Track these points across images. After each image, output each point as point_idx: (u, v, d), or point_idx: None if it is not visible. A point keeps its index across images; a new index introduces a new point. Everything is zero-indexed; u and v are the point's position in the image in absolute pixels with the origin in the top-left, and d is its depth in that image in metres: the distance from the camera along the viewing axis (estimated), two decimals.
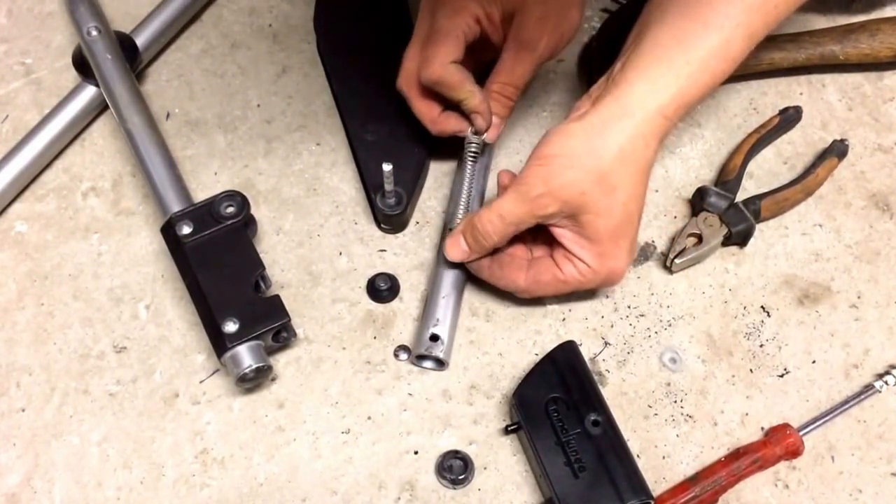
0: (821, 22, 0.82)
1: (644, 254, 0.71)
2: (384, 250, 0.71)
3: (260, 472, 0.62)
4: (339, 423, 0.64)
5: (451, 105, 0.67)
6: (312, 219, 0.72)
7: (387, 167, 0.64)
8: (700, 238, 0.69)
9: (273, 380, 0.65)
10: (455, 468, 0.61)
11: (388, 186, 0.67)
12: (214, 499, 0.61)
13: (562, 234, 0.60)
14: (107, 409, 0.64)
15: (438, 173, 0.75)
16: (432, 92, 0.66)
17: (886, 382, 0.64)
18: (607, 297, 0.69)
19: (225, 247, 0.63)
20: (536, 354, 0.66)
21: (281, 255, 0.70)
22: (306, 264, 0.70)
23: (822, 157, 0.73)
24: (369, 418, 0.64)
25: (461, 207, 0.68)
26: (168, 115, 0.77)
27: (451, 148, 0.71)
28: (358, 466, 0.62)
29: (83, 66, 0.74)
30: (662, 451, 0.63)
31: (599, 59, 0.77)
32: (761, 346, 0.67)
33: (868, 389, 0.65)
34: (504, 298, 0.68)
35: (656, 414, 0.64)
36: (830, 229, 0.72)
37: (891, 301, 0.69)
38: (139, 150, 0.69)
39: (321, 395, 0.65)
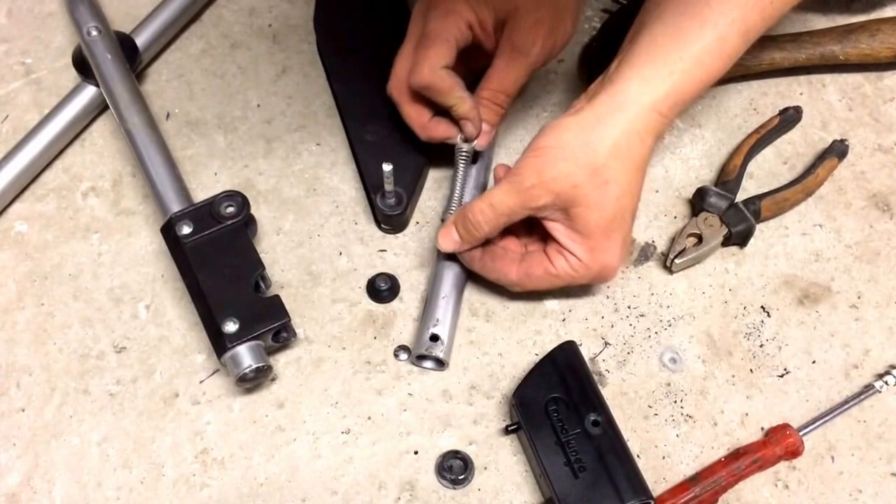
0: (821, 22, 0.82)
1: (644, 254, 0.71)
2: (384, 250, 0.71)
3: (260, 472, 0.62)
4: (339, 423, 0.64)
5: (441, 111, 0.67)
6: (312, 219, 0.72)
7: (387, 167, 0.64)
8: (700, 238, 0.69)
9: (273, 380, 0.65)
10: (455, 468, 0.61)
11: (388, 187, 0.67)
12: (214, 499, 0.61)
13: (554, 227, 0.61)
14: (107, 409, 0.64)
15: (438, 174, 0.75)
16: (422, 97, 0.66)
17: (886, 383, 0.64)
18: (607, 297, 0.69)
19: (225, 247, 0.63)
20: (536, 354, 0.66)
21: (281, 255, 0.70)
22: (306, 264, 0.70)
23: (823, 157, 0.73)
24: (369, 418, 0.64)
25: (454, 204, 0.68)
26: (168, 115, 0.77)
27: (451, 148, 0.71)
28: (358, 466, 0.62)
29: (83, 66, 0.74)
30: (662, 451, 0.63)
31: (599, 59, 0.77)
32: (761, 346, 0.67)
33: (868, 389, 0.65)
34: (504, 298, 0.68)
35: (656, 414, 0.64)
36: (830, 229, 0.72)
37: (891, 301, 0.69)
38: (139, 150, 0.69)
39: (321, 395, 0.65)
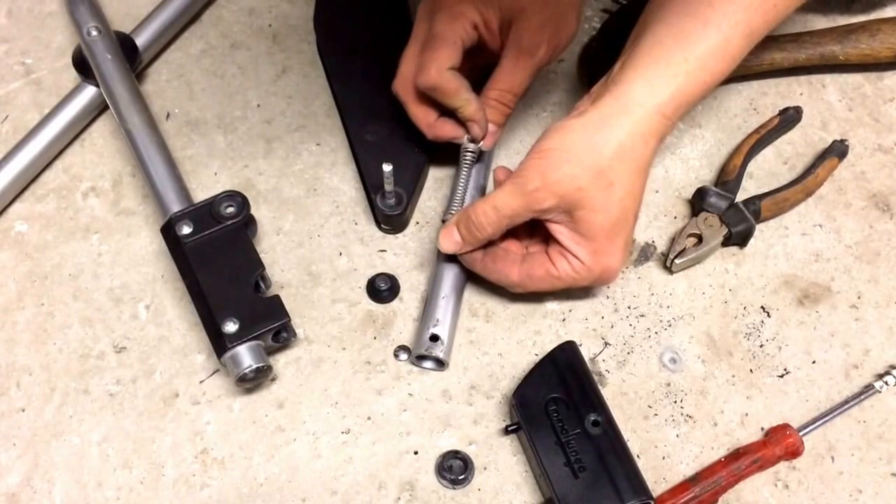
0: (821, 22, 0.82)
1: (644, 254, 0.71)
2: (384, 250, 0.71)
3: (260, 472, 0.62)
4: (338, 423, 0.64)
5: (447, 111, 0.67)
6: (312, 219, 0.72)
7: (387, 167, 0.64)
8: (700, 238, 0.69)
9: (273, 380, 0.65)
10: (455, 468, 0.61)
11: (388, 187, 0.67)
12: (214, 499, 0.61)
13: (558, 229, 0.60)
14: (107, 409, 0.64)
15: (439, 174, 0.75)
16: (428, 97, 0.66)
17: (886, 383, 0.64)
18: (607, 297, 0.69)
19: (225, 247, 0.63)
20: (536, 355, 0.66)
21: (281, 255, 0.70)
22: (306, 264, 0.70)
23: (823, 157, 0.73)
24: (369, 418, 0.64)
25: (456, 204, 0.68)
26: (168, 115, 0.77)
27: (451, 148, 0.71)
28: (358, 466, 0.62)
29: (83, 66, 0.74)
30: (662, 451, 0.63)
31: (599, 59, 0.77)
32: (761, 346, 0.67)
33: (868, 390, 0.65)
34: (504, 299, 0.68)
35: (656, 414, 0.64)
36: (830, 229, 0.72)
37: (891, 301, 0.69)
38: (139, 150, 0.69)
39: (321, 395, 0.65)
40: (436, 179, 0.75)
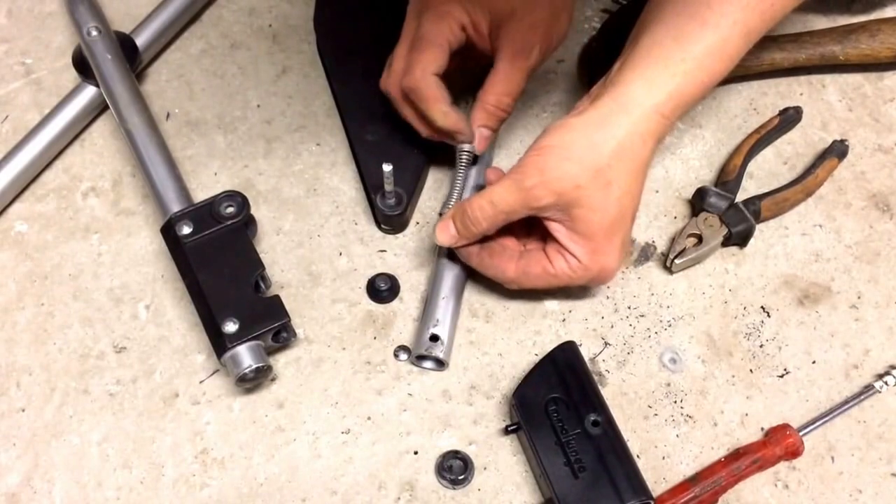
0: (821, 22, 0.82)
1: (644, 254, 0.71)
2: (384, 251, 0.71)
3: (260, 472, 0.62)
4: (338, 423, 0.64)
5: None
6: (312, 219, 0.72)
7: (387, 167, 0.64)
8: (700, 238, 0.69)
9: (273, 380, 0.65)
10: (455, 468, 0.61)
11: (388, 187, 0.67)
12: (214, 499, 0.61)
13: (556, 228, 0.60)
14: (107, 409, 0.64)
15: (439, 174, 0.75)
16: None
17: (886, 383, 0.64)
18: (607, 297, 0.69)
19: (225, 247, 0.63)
20: (536, 355, 0.66)
21: (281, 255, 0.70)
22: (306, 264, 0.70)
23: (822, 157, 0.73)
24: (369, 418, 0.64)
25: (453, 199, 0.68)
26: (168, 115, 0.77)
27: (451, 149, 0.71)
28: (358, 466, 0.62)
29: (83, 66, 0.74)
30: (662, 451, 0.63)
31: (599, 59, 0.77)
32: (761, 346, 0.67)
33: (868, 390, 0.65)
34: (504, 299, 0.68)
35: (656, 414, 0.64)
36: (830, 230, 0.72)
37: (891, 301, 0.69)
38: (139, 150, 0.69)
39: (321, 395, 0.65)
40: (436, 179, 0.75)
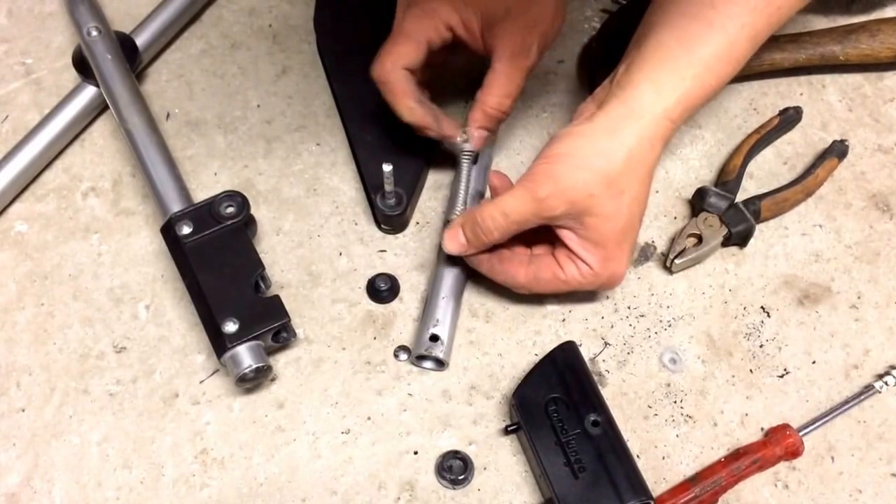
0: (821, 22, 0.82)
1: (644, 254, 0.71)
2: (384, 251, 0.71)
3: (260, 472, 0.62)
4: (338, 423, 0.64)
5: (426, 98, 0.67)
6: (312, 219, 0.72)
7: (387, 167, 0.64)
8: (700, 238, 0.69)
9: (273, 380, 0.65)
10: (455, 468, 0.61)
11: (388, 187, 0.67)
12: (214, 499, 0.61)
13: (567, 235, 0.60)
14: (107, 409, 0.64)
15: (439, 174, 0.75)
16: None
17: (886, 383, 0.64)
18: (607, 297, 0.69)
19: (225, 247, 0.63)
20: (536, 355, 0.66)
21: (281, 255, 0.70)
22: (306, 264, 0.70)
23: (822, 157, 0.73)
24: (369, 418, 0.64)
25: (459, 204, 0.68)
26: (168, 115, 0.77)
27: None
28: (358, 466, 0.62)
29: (83, 66, 0.74)
30: (662, 451, 0.63)
31: (599, 60, 0.77)
32: (761, 346, 0.67)
33: (868, 390, 0.65)
34: (504, 299, 0.68)
35: (656, 414, 0.64)
36: (830, 230, 0.72)
37: (891, 302, 0.69)
38: (139, 150, 0.69)
39: (321, 395, 0.65)
40: (436, 179, 0.75)
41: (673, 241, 0.70)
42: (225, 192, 0.65)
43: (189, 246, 0.63)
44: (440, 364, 0.65)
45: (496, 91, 0.65)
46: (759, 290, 0.70)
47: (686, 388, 0.65)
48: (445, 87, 0.73)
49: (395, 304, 0.69)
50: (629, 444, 0.60)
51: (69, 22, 0.80)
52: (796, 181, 0.72)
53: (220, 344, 0.60)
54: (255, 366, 0.60)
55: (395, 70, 0.63)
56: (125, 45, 0.75)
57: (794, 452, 0.61)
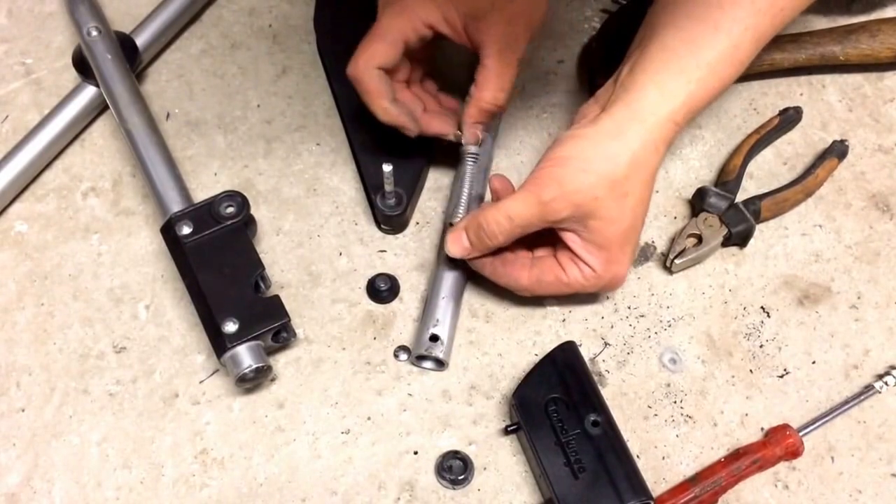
0: (821, 22, 0.82)
1: (644, 254, 0.71)
2: (384, 251, 0.71)
3: (260, 472, 0.62)
4: (338, 423, 0.64)
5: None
6: (312, 219, 0.72)
7: (387, 167, 0.64)
8: (700, 238, 0.69)
9: (273, 380, 0.65)
10: (455, 468, 0.61)
11: (388, 187, 0.67)
12: (214, 499, 0.61)
13: (570, 238, 0.60)
14: (107, 409, 0.64)
15: (439, 174, 0.75)
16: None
17: (886, 383, 0.64)
18: (607, 297, 0.69)
19: (225, 247, 0.63)
20: (536, 355, 0.66)
21: (281, 255, 0.70)
22: (306, 264, 0.70)
23: (822, 157, 0.73)
24: (369, 419, 0.64)
25: (461, 206, 0.68)
26: (168, 115, 0.77)
27: (452, 149, 0.71)
28: (358, 467, 0.62)
29: (83, 66, 0.74)
30: (662, 451, 0.63)
31: (599, 60, 0.77)
32: (761, 346, 0.67)
33: (868, 390, 0.65)
34: (504, 299, 0.68)
35: (656, 414, 0.64)
36: (830, 230, 0.72)
37: (891, 302, 0.69)
38: (139, 150, 0.69)
39: (321, 395, 0.65)
40: (436, 179, 0.75)
41: (673, 241, 0.70)
42: (225, 192, 0.65)
43: (189, 246, 0.63)
44: (440, 364, 0.65)
45: (490, 86, 0.64)
46: (759, 290, 0.70)
47: (686, 388, 0.65)
48: (446, 84, 0.73)
49: (395, 304, 0.69)
50: (629, 444, 0.60)
51: (69, 22, 0.80)
52: (796, 181, 0.72)
53: (220, 344, 0.60)
54: (255, 366, 0.60)
55: (368, 69, 0.63)
56: (125, 45, 0.75)
57: (794, 452, 0.61)
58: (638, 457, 0.62)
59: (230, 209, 0.64)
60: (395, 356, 0.66)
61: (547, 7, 0.65)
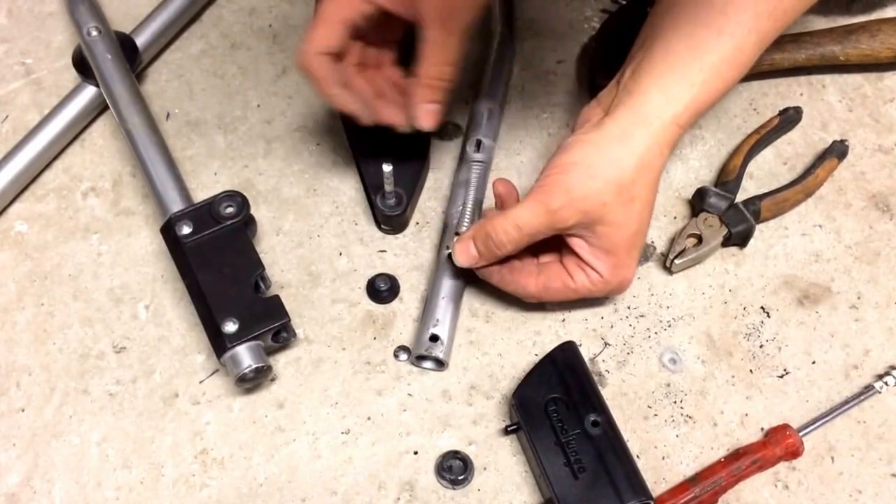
0: (821, 22, 0.82)
1: (644, 254, 0.71)
2: (384, 251, 0.71)
3: (260, 472, 0.62)
4: (338, 423, 0.64)
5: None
6: (312, 219, 0.72)
7: (387, 167, 0.64)
8: (700, 238, 0.69)
9: (273, 380, 0.65)
10: (455, 468, 0.61)
11: (388, 187, 0.67)
12: (214, 499, 0.61)
13: (578, 244, 0.60)
14: (107, 409, 0.64)
15: (439, 174, 0.75)
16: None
17: (886, 383, 0.64)
18: (608, 298, 0.69)
19: (225, 247, 0.63)
20: (536, 355, 0.66)
21: (281, 255, 0.70)
22: (306, 264, 0.70)
23: (822, 157, 0.73)
24: (369, 419, 0.64)
25: (468, 214, 0.68)
26: (168, 115, 0.77)
27: (452, 149, 0.71)
28: (358, 467, 0.62)
29: (83, 66, 0.74)
30: (662, 451, 0.63)
31: (599, 60, 0.77)
32: (761, 346, 0.67)
33: (868, 390, 0.65)
34: (504, 299, 0.68)
35: (656, 414, 0.64)
36: (830, 230, 0.72)
37: (891, 302, 0.69)
38: (139, 150, 0.69)
39: (321, 395, 0.65)
40: (436, 179, 0.75)
41: (673, 241, 0.70)
42: (225, 192, 0.65)
43: (189, 246, 0.63)
44: (440, 364, 0.65)
45: (433, 60, 0.60)
46: (759, 290, 0.70)
47: (686, 388, 0.65)
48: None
49: (395, 304, 0.69)
50: (629, 445, 0.60)
51: (69, 22, 0.80)
52: (796, 181, 0.72)
53: (219, 344, 0.60)
54: (254, 366, 0.60)
55: (312, 56, 0.60)
56: (125, 45, 0.75)
57: (794, 453, 0.61)
58: (638, 457, 0.62)
59: (230, 209, 0.64)
60: (395, 356, 0.66)
61: None
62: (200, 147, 0.76)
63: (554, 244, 0.63)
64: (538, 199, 0.58)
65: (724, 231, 0.69)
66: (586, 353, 0.66)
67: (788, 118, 0.75)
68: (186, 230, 0.63)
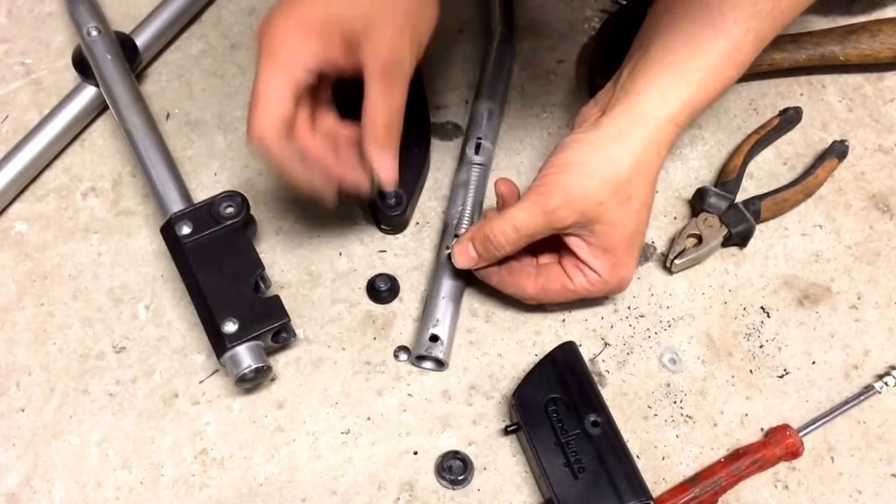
0: (821, 23, 0.82)
1: (644, 254, 0.71)
2: (384, 251, 0.71)
3: (259, 472, 0.62)
4: (338, 423, 0.64)
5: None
6: (312, 219, 0.72)
7: None
8: (700, 239, 0.69)
9: (273, 380, 0.65)
10: (455, 469, 0.61)
11: None
12: (214, 499, 0.61)
13: (576, 243, 0.60)
14: (106, 409, 0.64)
15: (439, 174, 0.75)
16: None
17: (886, 383, 0.64)
18: (608, 298, 0.69)
19: (225, 247, 0.63)
20: (536, 355, 0.66)
21: (281, 255, 0.70)
22: (306, 264, 0.70)
23: (822, 157, 0.73)
24: (369, 419, 0.64)
25: (467, 215, 0.68)
26: (168, 116, 0.77)
27: (452, 149, 0.71)
28: (357, 467, 0.62)
29: (83, 66, 0.74)
30: (662, 451, 0.63)
31: (599, 60, 0.77)
32: (761, 346, 0.67)
33: (868, 390, 0.65)
34: (504, 300, 0.68)
35: (656, 415, 0.64)
36: (830, 230, 0.72)
37: (891, 302, 0.69)
38: (139, 150, 0.69)
39: (321, 395, 0.65)
40: (436, 180, 0.75)
41: (673, 241, 0.70)
42: (225, 192, 0.65)
43: (189, 246, 0.63)
44: (440, 364, 0.65)
45: (379, 115, 0.57)
46: (759, 290, 0.70)
47: (686, 388, 0.65)
48: (445, 81, 0.73)
49: (394, 304, 0.69)
50: (629, 445, 0.60)
51: (69, 22, 0.80)
52: (796, 181, 0.72)
53: (219, 344, 0.60)
54: (254, 366, 0.60)
55: (264, 140, 0.55)
56: (125, 45, 0.75)
57: (793, 453, 0.61)
58: (638, 457, 0.62)
59: (230, 209, 0.64)
60: (395, 356, 0.66)
61: (437, 15, 0.58)
62: (200, 147, 0.76)
63: (553, 246, 0.63)
64: (535, 200, 0.58)
65: (724, 231, 0.69)
66: (586, 353, 0.66)
67: (788, 118, 0.75)
68: (186, 230, 0.63)
